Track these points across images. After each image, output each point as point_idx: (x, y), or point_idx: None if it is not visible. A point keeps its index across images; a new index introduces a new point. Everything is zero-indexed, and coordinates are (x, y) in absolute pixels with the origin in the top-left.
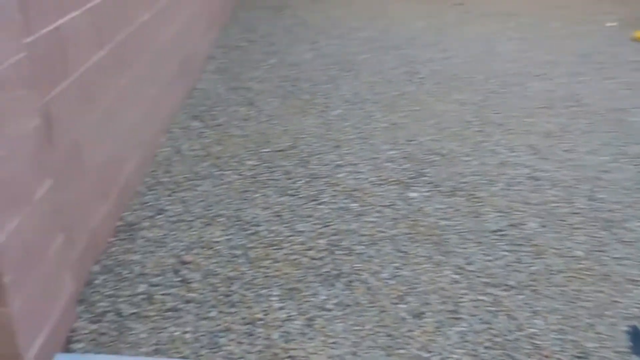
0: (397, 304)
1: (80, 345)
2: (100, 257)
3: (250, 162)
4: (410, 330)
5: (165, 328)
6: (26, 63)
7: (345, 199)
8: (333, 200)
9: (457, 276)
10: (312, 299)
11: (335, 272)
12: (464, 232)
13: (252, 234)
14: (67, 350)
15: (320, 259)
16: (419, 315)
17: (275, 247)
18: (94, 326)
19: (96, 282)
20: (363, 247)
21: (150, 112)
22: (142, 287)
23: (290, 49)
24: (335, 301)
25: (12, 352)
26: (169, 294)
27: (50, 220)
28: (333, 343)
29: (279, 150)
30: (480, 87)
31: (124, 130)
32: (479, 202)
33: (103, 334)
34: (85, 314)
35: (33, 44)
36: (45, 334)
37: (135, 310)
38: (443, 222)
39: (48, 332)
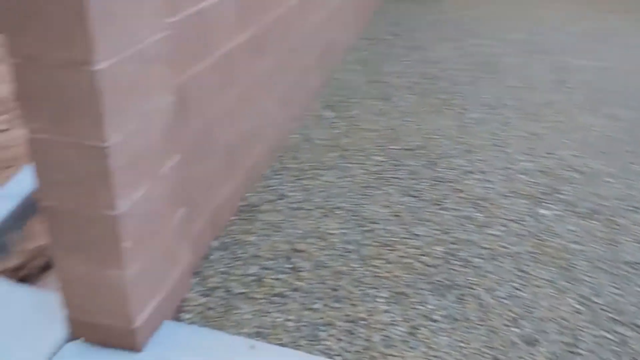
0: (509, 326)
1: (188, 316)
2: (219, 234)
3: (376, 158)
4: (520, 357)
5: (270, 313)
6: (167, 42)
7: (470, 207)
8: (456, 207)
9: (580, 307)
10: (419, 307)
11: (447, 283)
12: (596, 259)
13: (368, 231)
14: (176, 318)
15: (434, 266)
16: (532, 343)
17: (389, 248)
18: (204, 299)
19: (212, 257)
20: (481, 260)
21: (284, 98)
22: (253, 269)
23: (433, 45)
24: (443, 313)
25: (124, 314)
26: (278, 279)
27: (174, 194)
28: (434, 356)
29: (408, 149)
30: (637, 103)
31: (257, 114)
32: (617, 229)
33: (211, 308)
34: (197, 286)
35: (176, 24)
36: (157, 300)
37: (244, 290)
38: (573, 246)
39: (160, 299)
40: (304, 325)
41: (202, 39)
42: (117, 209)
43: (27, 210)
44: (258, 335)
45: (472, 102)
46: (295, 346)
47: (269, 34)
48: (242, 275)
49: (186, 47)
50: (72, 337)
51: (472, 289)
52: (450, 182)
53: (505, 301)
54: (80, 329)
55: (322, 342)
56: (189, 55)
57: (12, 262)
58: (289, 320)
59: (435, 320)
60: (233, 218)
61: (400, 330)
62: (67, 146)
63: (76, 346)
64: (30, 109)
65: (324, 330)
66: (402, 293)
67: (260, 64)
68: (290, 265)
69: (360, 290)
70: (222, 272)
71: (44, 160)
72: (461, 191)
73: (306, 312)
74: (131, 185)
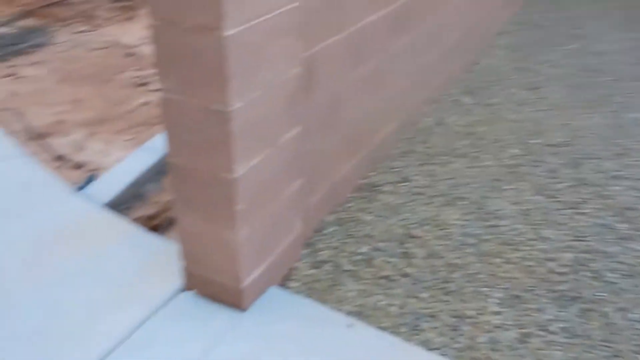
0: (638, 353)
1: (295, 285)
2: (336, 209)
3: (513, 151)
4: None
5: (374, 294)
6: (297, 13)
7: (613, 216)
8: (597, 214)
9: None
10: (535, 315)
11: (572, 294)
12: None
13: (492, 226)
14: (282, 285)
15: (560, 274)
16: None
17: (512, 247)
18: (312, 271)
19: (326, 231)
20: (617, 276)
21: (419, 79)
22: (365, 248)
23: (599, 35)
24: (561, 325)
25: (233, 273)
26: (388, 262)
27: (291, 164)
28: None
29: (550, 145)
30: None
31: (387, 93)
32: None
33: (317, 280)
34: (307, 257)
35: None
36: (265, 265)
37: (352, 268)
38: None
39: (268, 265)
40: (407, 313)
41: (336, 12)
42: (234, 172)
43: (166, 165)
44: (358, 314)
45: (636, 100)
46: (394, 332)
47: (410, 12)
48: (353, 253)
49: (318, 20)
50: (187, 287)
51: (600, 305)
52: (594, 185)
53: (638, 325)
54: (194, 282)
55: (423, 333)
56: (321, 29)
57: (148, 211)
58: (392, 305)
59: (551, 332)
60: (352, 195)
61: (510, 336)
62: (194, 108)
63: (189, 296)
64: (165, 70)
65: (427, 322)
66: (518, 297)
67: (397, 42)
68: (403, 250)
69: (472, 286)
70: (334, 247)
71: (173, 120)
72: (606, 197)
73: (411, 300)
74: (250, 152)
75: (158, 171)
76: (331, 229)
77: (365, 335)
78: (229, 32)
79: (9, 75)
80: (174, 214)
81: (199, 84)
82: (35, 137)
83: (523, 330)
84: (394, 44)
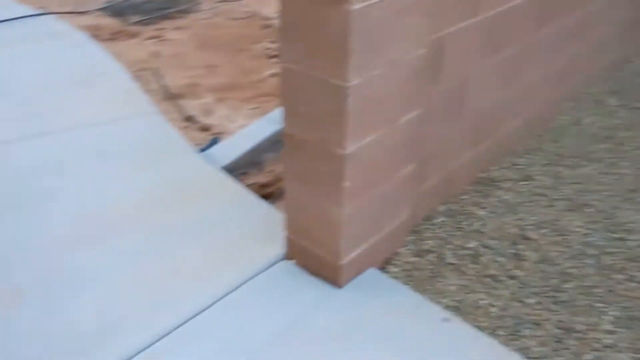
0: None
1: (394, 270)
2: (448, 200)
3: None
4: None
5: (476, 292)
6: None
7: None
8: None
9: None
10: None
11: None
12: None
13: (618, 239)
14: (381, 268)
15: None
16: None
17: (638, 264)
18: (414, 259)
19: (435, 220)
20: None
21: (558, 74)
22: (472, 243)
23: None
24: None
25: (334, 248)
26: (496, 261)
27: (406, 147)
28: None
29: None
30: None
31: (520, 86)
32: None
33: (418, 269)
34: (411, 244)
35: None
36: (367, 246)
37: (456, 262)
38: None
39: (370, 246)
40: (508, 316)
41: None
42: (345, 148)
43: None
44: (455, 309)
45: None
46: (491, 334)
47: (557, 1)
48: (459, 246)
49: (450, 2)
50: (287, 257)
51: None
52: None
53: None
54: (294, 252)
55: (523, 340)
56: (453, 11)
57: (262, 179)
58: (493, 305)
59: None
60: (467, 188)
61: (621, 358)
62: (312, 80)
63: (287, 266)
64: (288, 40)
65: (529, 328)
66: (638, 319)
67: (536, 32)
68: (514, 251)
69: (586, 300)
70: (440, 238)
71: (291, 90)
72: None
73: (515, 304)
74: (364, 129)
75: (277, 141)
76: (440, 219)
77: (460, 331)
78: (356, 6)
79: (154, 38)
80: (285, 184)
81: (319, 57)
82: (170, 97)
83: (637, 356)
84: (535, 33)
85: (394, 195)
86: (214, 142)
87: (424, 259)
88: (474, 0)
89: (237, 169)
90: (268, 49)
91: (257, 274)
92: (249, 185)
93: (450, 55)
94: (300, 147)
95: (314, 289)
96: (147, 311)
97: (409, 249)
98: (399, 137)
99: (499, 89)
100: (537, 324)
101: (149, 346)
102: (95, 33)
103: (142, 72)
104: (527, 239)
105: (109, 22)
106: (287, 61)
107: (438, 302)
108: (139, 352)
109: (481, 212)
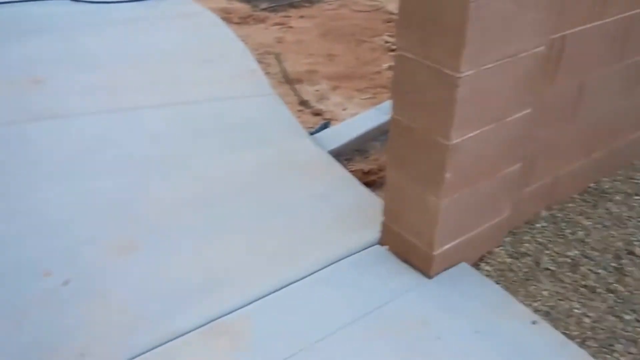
0: None
1: (487, 268)
2: (553, 206)
3: None
4: None
5: (570, 300)
6: None
7: None
8: None
9: None
10: None
11: None
12: None
13: None
14: (474, 265)
15: None
16: None
17: None
18: (509, 260)
19: (536, 224)
20: None
21: None
22: (573, 252)
23: None
24: None
25: (428, 238)
26: (595, 273)
27: (513, 146)
28: None
29: None
30: None
31: None
32: None
33: (512, 270)
34: (508, 245)
35: None
36: (462, 240)
37: (553, 268)
38: None
39: (465, 240)
40: (602, 329)
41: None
42: (450, 139)
43: None
44: (546, 315)
45: None
46: (581, 344)
47: None
48: (558, 253)
49: (577, 4)
50: (381, 242)
51: None
52: None
53: None
54: (389, 238)
55: (614, 355)
56: (577, 11)
57: (366, 166)
58: (587, 316)
59: None
60: (574, 196)
61: None
62: (424, 68)
63: (380, 251)
64: (405, 27)
65: (623, 344)
66: None
67: None
68: (617, 265)
69: None
70: (539, 243)
71: (402, 77)
72: None
73: (611, 318)
74: (471, 122)
75: (385, 132)
76: (541, 224)
77: (549, 336)
78: None
79: (280, 24)
80: (387, 170)
81: (434, 45)
82: (288, 81)
83: None
84: None
85: (495, 193)
86: (324, 126)
87: (520, 261)
88: (602, 1)
89: (343, 154)
90: (388, 42)
91: (349, 255)
92: (352, 171)
93: (570, 56)
94: (406, 134)
95: (404, 275)
96: (245, 275)
97: (504, 249)
98: (506, 135)
99: (620, 97)
100: (633, 341)
101: (243, 306)
102: (226, 16)
103: (265, 56)
104: (633, 254)
105: (240, 7)
106: (402, 48)
107: (529, 306)
108: (234, 310)
109: (586, 222)
